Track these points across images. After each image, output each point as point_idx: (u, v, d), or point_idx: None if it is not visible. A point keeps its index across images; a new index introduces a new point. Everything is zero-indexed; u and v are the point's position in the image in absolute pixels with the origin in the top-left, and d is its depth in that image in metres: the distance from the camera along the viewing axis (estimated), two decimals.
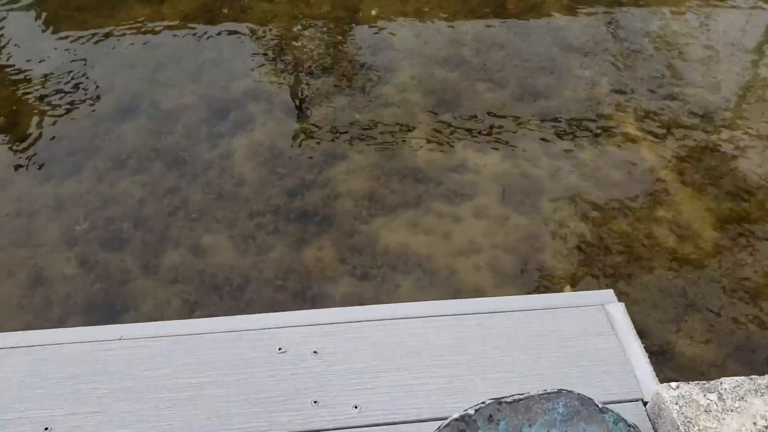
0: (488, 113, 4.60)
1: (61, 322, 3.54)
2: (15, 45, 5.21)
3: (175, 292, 3.68)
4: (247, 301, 3.65)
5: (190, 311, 3.63)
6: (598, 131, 4.48)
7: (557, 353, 1.73)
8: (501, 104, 4.66)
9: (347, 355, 1.69)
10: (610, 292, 1.84)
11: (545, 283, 3.67)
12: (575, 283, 3.67)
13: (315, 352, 1.70)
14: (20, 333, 1.72)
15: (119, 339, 1.68)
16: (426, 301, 1.85)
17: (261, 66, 4.99)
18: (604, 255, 3.80)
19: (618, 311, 1.80)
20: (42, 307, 3.61)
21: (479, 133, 4.47)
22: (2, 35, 5.29)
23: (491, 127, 4.51)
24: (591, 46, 5.14)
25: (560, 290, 3.66)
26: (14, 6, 5.60)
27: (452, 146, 4.38)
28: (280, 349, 1.70)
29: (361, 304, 3.62)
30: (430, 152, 4.34)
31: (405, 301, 3.63)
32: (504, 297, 1.90)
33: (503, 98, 4.71)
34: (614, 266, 3.75)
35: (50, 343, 1.68)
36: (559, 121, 4.55)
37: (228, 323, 1.72)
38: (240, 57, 5.06)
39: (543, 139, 4.42)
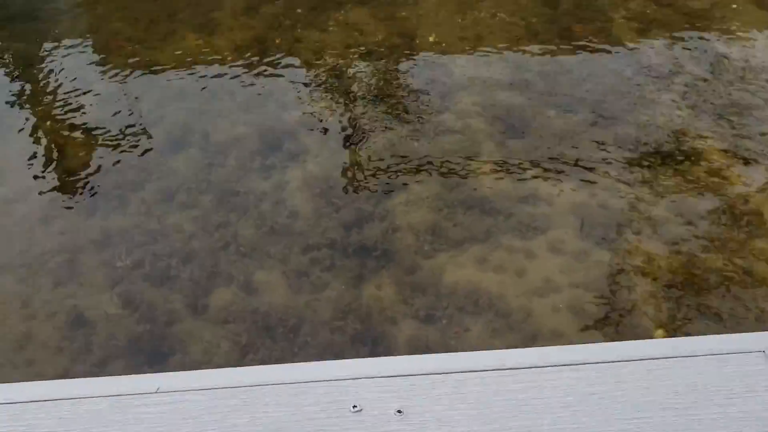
0: (560, 139, 4.20)
1: (101, 366, 3.22)
2: (65, 76, 5.04)
3: (225, 334, 3.34)
4: (302, 344, 3.28)
5: (241, 354, 3.27)
6: (681, 158, 4.03)
7: (713, 413, 1.31)
8: (573, 130, 4.25)
9: (440, 415, 1.30)
10: None
11: (635, 326, 3.21)
12: (669, 326, 3.21)
13: (399, 411, 1.32)
14: (35, 384, 1.38)
15: (155, 392, 1.33)
16: (535, 347, 1.45)
17: (314, 96, 4.69)
18: (699, 294, 3.33)
19: None
20: (82, 350, 3.30)
21: (551, 160, 4.07)
22: (53, 65, 5.13)
23: (564, 154, 4.10)
24: (667, 70, 4.71)
25: (651, 334, 3.20)
26: (66, 37, 5.45)
27: (522, 175, 3.98)
28: (354, 407, 1.32)
29: (427, 349, 3.23)
30: (497, 182, 3.95)
31: (476, 347, 3.22)
32: (631, 342, 1.49)
33: (575, 124, 4.30)
34: (712, 306, 3.28)
35: (71, 397, 1.34)
36: (638, 148, 4.12)
37: (289, 373, 1.35)
38: (293, 87, 4.78)
39: (622, 167, 3.99)
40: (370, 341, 3.26)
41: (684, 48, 4.93)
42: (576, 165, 4.01)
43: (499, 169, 4.02)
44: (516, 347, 3.14)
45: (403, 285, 3.47)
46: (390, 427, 1.30)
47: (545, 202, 3.80)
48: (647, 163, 4.00)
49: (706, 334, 3.06)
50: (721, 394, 1.36)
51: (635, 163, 4.01)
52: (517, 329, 3.26)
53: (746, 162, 3.99)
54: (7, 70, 5.20)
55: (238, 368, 1.40)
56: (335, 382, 1.36)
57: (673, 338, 1.44)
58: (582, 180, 3.91)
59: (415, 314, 3.34)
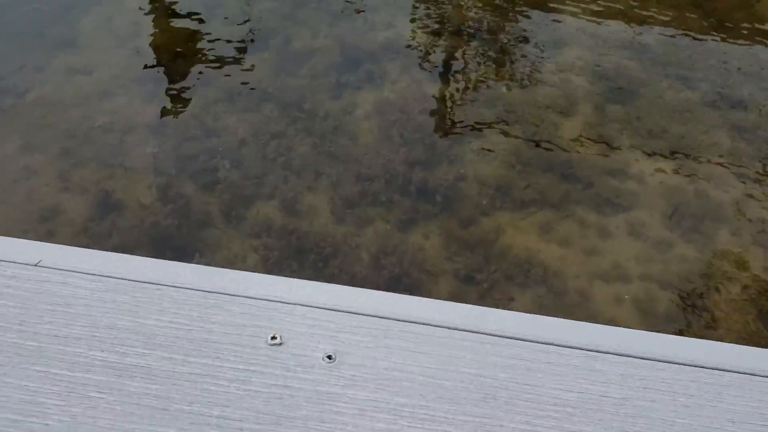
0: (668, 114, 3.59)
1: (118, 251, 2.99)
2: None
3: (256, 247, 3.04)
4: (329, 275, 2.94)
5: (264, 272, 2.97)
6: None
7: None
8: (686, 107, 3.62)
9: (382, 375, 0.91)
10: None
11: (709, 338, 2.67)
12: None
13: (329, 357, 0.94)
14: None
15: (35, 265, 1.00)
16: (533, 314, 1.02)
17: (409, 19, 4.24)
18: None
19: None
20: (104, 234, 3.09)
21: (652, 135, 3.48)
22: None
23: (668, 131, 3.50)
24: None
25: None
26: None
27: (614, 144, 3.43)
28: (273, 338, 0.94)
29: None
30: (585, 147, 3.41)
31: None
32: (703, 341, 1.04)
33: (691, 100, 3.66)
34: None
35: None
36: (758, 138, 3.47)
37: (203, 277, 0.98)
38: (388, 6, 4.35)
39: (734, 156, 3.37)
40: (401, 289, 2.87)
41: None
42: (681, 145, 3.41)
43: (591, 133, 3.47)
44: None
45: (452, 238, 3.05)
46: (310, 375, 0.91)
47: (635, 179, 3.24)
48: (766, 158, 3.36)
49: None
50: None
51: (752, 154, 3.37)
52: (567, 311, 2.78)
53: None
54: None
55: (137, 257, 1.04)
56: (255, 301, 0.98)
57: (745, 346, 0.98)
58: (684, 163, 3.32)
59: (456, 273, 2.92)
